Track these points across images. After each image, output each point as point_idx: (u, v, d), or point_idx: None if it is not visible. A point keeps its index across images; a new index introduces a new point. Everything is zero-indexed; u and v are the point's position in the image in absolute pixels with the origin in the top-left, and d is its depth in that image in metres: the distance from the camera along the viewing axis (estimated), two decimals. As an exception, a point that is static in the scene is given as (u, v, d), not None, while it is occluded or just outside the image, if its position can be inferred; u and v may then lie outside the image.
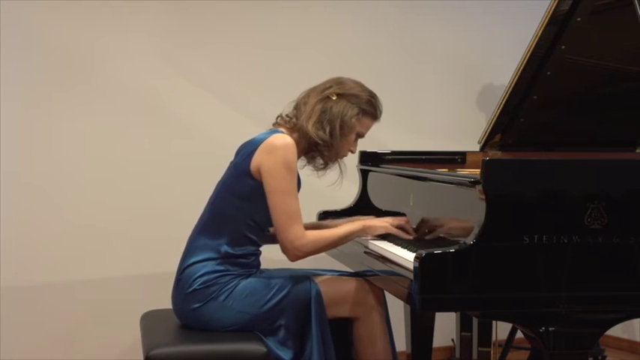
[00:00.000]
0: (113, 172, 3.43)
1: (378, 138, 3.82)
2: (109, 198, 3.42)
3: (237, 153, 2.63)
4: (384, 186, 3.05)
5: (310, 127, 2.56)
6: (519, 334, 3.31)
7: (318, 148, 2.61)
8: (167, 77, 3.51)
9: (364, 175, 3.18)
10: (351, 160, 3.24)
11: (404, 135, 3.90)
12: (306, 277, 2.58)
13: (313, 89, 2.65)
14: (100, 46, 3.40)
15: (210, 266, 2.53)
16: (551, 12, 2.80)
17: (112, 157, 3.43)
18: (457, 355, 2.98)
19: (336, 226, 2.67)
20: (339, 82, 2.65)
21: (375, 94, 2.68)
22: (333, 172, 2.76)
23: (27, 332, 3.30)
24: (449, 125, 3.99)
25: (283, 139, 2.52)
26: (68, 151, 3.37)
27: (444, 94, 4.04)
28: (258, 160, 2.51)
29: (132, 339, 3.09)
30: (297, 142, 2.58)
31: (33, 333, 3.31)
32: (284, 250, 2.53)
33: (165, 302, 2.82)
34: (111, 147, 3.43)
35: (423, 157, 3.18)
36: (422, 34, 3.99)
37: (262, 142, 2.53)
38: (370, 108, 2.65)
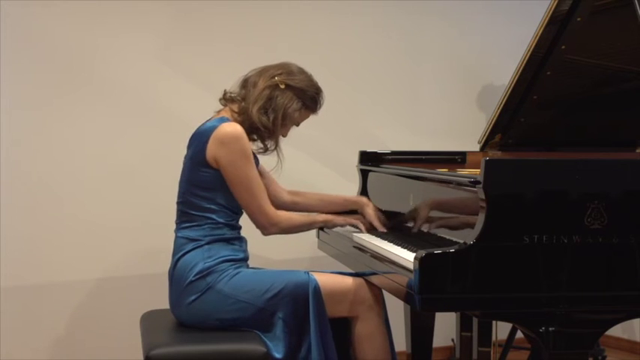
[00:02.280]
0: (114, 172, 3.43)
1: (378, 138, 3.83)
2: (109, 198, 3.43)
3: (190, 145, 2.66)
4: (384, 186, 3.05)
5: (255, 112, 2.62)
6: (519, 334, 3.31)
7: (259, 133, 2.67)
8: (168, 77, 3.51)
9: (364, 175, 3.18)
10: (351, 160, 3.25)
11: (404, 135, 3.90)
12: (305, 272, 2.59)
13: (264, 71, 2.70)
14: (100, 46, 3.40)
15: (199, 254, 2.56)
16: (551, 12, 2.80)
17: (113, 157, 3.43)
18: (457, 355, 2.98)
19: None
20: (289, 71, 2.70)
21: (320, 90, 2.75)
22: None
23: (27, 332, 3.30)
24: (449, 125, 3.99)
25: (234, 128, 2.58)
26: (69, 151, 3.37)
27: (444, 94, 4.04)
28: (213, 151, 2.56)
29: (132, 339, 3.09)
30: (241, 124, 2.63)
31: (33, 333, 3.31)
32: (260, 227, 2.67)
33: (165, 302, 2.83)
34: (112, 147, 3.43)
35: (423, 157, 3.18)
36: (422, 35, 3.99)
37: (213, 131, 2.57)
38: (312, 104, 2.74)
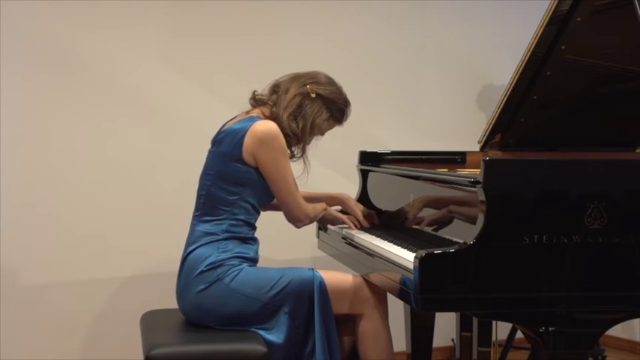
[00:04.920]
0: (114, 172, 3.43)
1: (378, 138, 3.83)
2: (108, 198, 3.43)
3: (219, 142, 2.67)
4: (384, 186, 3.05)
5: (285, 118, 2.66)
6: (519, 334, 3.31)
7: (287, 140, 2.68)
8: (166, 76, 3.51)
9: (364, 175, 3.18)
10: (351, 160, 3.25)
11: (404, 135, 3.90)
12: (310, 268, 2.61)
13: (296, 78, 2.74)
14: (101, 45, 3.40)
15: (214, 247, 2.58)
16: (551, 12, 2.80)
17: (114, 156, 3.43)
18: (457, 355, 2.98)
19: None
20: (320, 80, 2.75)
21: (348, 103, 2.81)
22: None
23: (27, 332, 3.30)
24: (449, 125, 3.99)
25: (270, 126, 2.61)
26: (69, 150, 3.37)
27: (444, 94, 4.04)
28: (251, 148, 2.59)
29: (132, 339, 3.09)
30: None
31: (33, 333, 3.31)
32: (294, 220, 2.73)
33: (165, 302, 2.83)
34: (112, 147, 3.43)
35: (423, 157, 3.19)
36: (422, 35, 3.99)
37: (247, 129, 2.60)
38: (340, 115, 2.80)
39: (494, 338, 2.86)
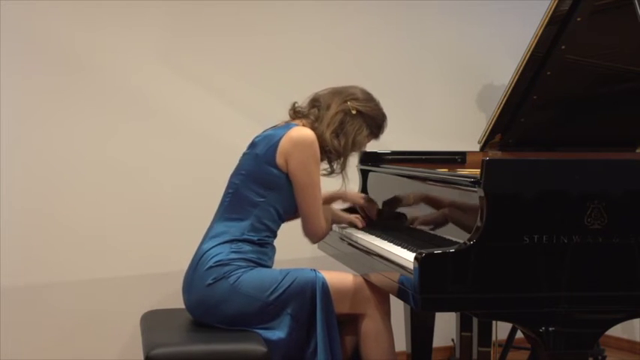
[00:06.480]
0: (114, 172, 3.43)
1: (378, 138, 3.82)
2: (108, 198, 3.43)
3: (255, 145, 2.69)
4: (384, 186, 3.05)
5: (328, 135, 2.68)
6: (519, 334, 3.31)
7: (328, 155, 2.71)
8: (166, 76, 3.51)
9: (364, 175, 3.18)
10: (351, 160, 3.24)
11: (404, 135, 3.89)
12: (312, 269, 2.61)
13: (337, 93, 2.76)
14: (101, 46, 3.40)
15: (227, 246, 2.59)
16: (551, 12, 2.80)
17: (114, 157, 3.43)
18: (457, 355, 2.98)
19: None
20: (359, 97, 2.77)
21: (385, 118, 2.83)
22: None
23: (27, 332, 3.30)
24: (449, 125, 3.99)
25: (307, 132, 2.63)
26: (69, 151, 3.37)
27: (445, 94, 4.04)
28: (285, 152, 2.61)
29: (132, 339, 3.09)
30: None
31: (33, 333, 3.31)
32: (312, 234, 2.73)
33: (166, 302, 2.83)
34: (113, 147, 3.43)
35: (423, 157, 3.19)
36: (422, 35, 3.99)
37: (284, 133, 2.62)
38: (378, 131, 2.83)
39: (494, 338, 2.86)
